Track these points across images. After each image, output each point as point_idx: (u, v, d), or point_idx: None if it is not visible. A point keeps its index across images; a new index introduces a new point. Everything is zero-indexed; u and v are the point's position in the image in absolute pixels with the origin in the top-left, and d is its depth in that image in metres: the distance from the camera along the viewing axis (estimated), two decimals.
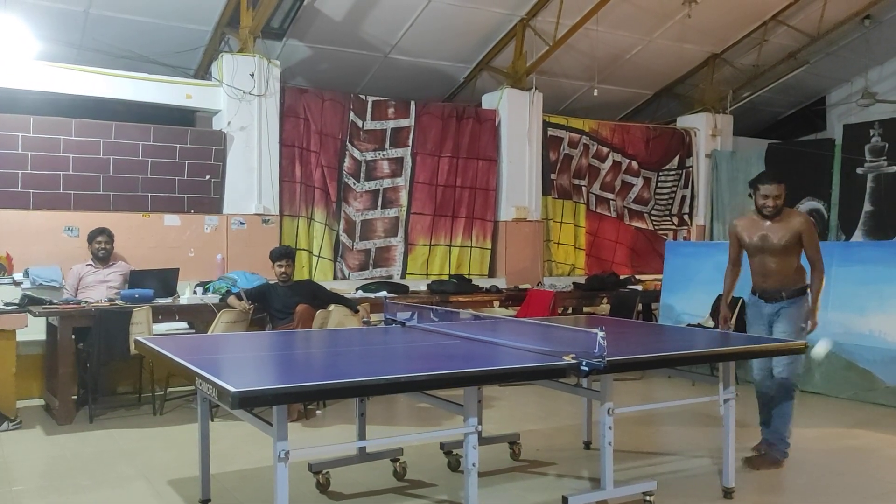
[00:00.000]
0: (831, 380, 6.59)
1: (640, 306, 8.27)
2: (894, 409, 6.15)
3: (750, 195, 4.86)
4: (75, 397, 6.01)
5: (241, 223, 7.66)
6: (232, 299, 6.14)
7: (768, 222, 4.76)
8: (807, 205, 10.18)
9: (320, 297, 6.36)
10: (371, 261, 8.69)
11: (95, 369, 5.88)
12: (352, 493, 4.19)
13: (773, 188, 4.72)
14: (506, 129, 9.33)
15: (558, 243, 9.98)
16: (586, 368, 3.27)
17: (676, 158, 10.93)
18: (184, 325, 6.52)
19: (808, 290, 4.79)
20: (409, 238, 8.87)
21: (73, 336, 5.86)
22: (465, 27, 8.84)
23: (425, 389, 3.61)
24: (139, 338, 4.20)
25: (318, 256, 8.31)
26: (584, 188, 10.22)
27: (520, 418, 5.93)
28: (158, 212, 7.32)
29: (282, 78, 7.96)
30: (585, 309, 8.49)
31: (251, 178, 7.70)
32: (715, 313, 7.36)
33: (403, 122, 8.79)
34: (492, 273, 9.30)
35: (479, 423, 3.39)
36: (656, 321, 8.22)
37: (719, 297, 7.38)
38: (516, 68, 9.30)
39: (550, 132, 9.81)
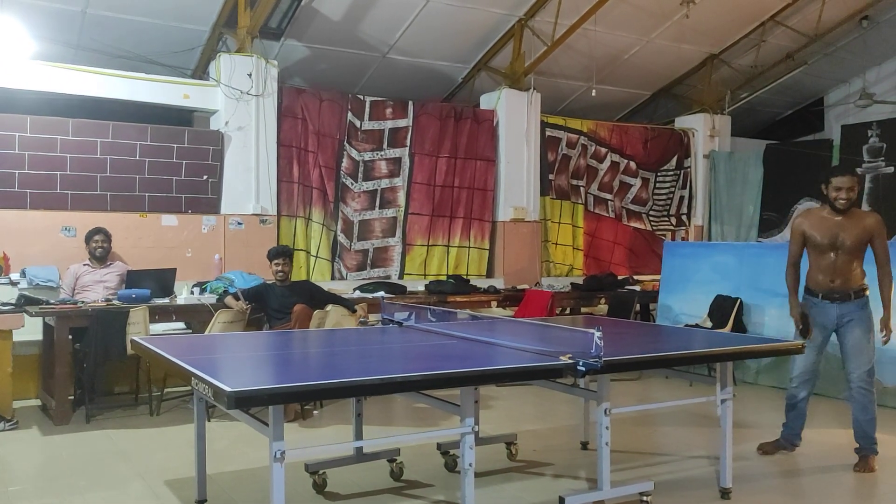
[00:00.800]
0: (831, 381, 6.57)
1: (637, 307, 8.27)
2: (893, 409, 6.14)
3: (822, 192, 4.70)
4: (72, 397, 5.99)
5: (239, 223, 7.66)
6: (229, 299, 6.13)
7: (839, 218, 4.63)
8: (805, 205, 10.16)
9: (318, 298, 6.35)
10: (369, 261, 8.68)
11: (92, 369, 5.87)
12: (348, 494, 4.18)
13: (845, 180, 4.58)
14: (504, 130, 9.32)
15: (556, 244, 9.98)
16: (583, 368, 3.27)
17: (674, 159, 10.93)
18: (181, 325, 6.52)
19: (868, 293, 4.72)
20: (406, 238, 8.86)
21: (70, 336, 5.84)
22: (463, 27, 8.83)
23: (422, 389, 3.61)
24: (136, 338, 4.19)
25: (316, 257, 8.31)
26: (582, 188, 10.22)
27: (517, 419, 5.93)
28: (156, 212, 7.31)
29: (279, 78, 7.96)
30: (583, 309, 8.48)
31: (249, 179, 7.69)
32: (712, 314, 7.37)
33: (401, 123, 8.79)
34: (490, 273, 9.30)
35: (476, 423, 3.39)
36: (654, 321, 8.22)
37: (718, 298, 7.42)
38: (514, 68, 9.29)
39: (548, 132, 9.80)
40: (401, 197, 8.81)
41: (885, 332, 4.69)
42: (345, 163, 8.49)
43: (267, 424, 3.00)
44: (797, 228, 4.81)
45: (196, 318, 6.33)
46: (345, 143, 8.47)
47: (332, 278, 8.33)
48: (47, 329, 6.04)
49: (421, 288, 8.11)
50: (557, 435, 5.49)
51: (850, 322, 4.67)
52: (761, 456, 4.90)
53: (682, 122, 11.20)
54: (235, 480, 4.41)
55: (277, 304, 6.19)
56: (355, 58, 8.91)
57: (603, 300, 8.61)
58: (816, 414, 6.04)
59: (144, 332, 5.81)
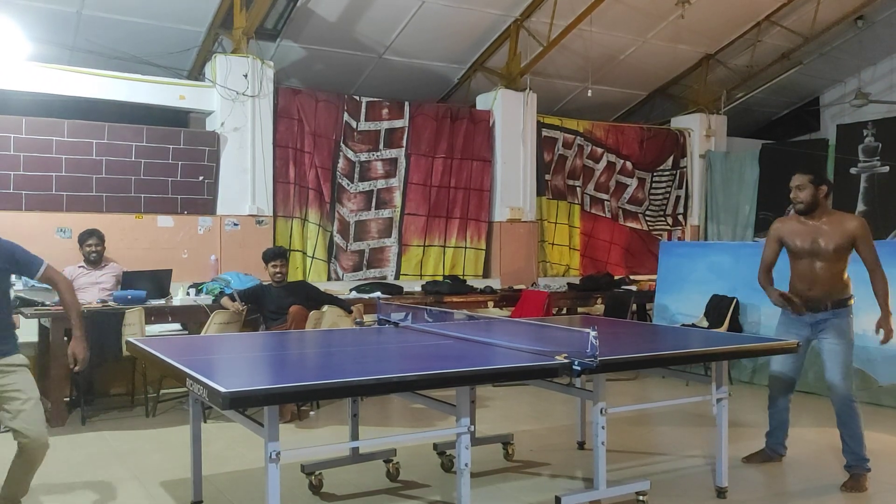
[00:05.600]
0: (825, 379, 6.58)
1: (634, 306, 8.28)
2: (888, 408, 6.16)
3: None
4: (67, 399, 5.99)
5: (235, 224, 7.65)
6: (225, 300, 6.12)
7: (815, 222, 4.41)
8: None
9: (314, 298, 6.35)
10: (365, 262, 8.68)
11: (88, 371, 5.85)
12: (345, 494, 4.18)
13: (795, 178, 4.42)
14: (500, 130, 9.32)
15: (553, 244, 9.98)
16: (578, 368, 3.27)
17: (671, 159, 10.94)
18: (177, 326, 6.51)
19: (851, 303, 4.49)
20: (403, 239, 8.85)
21: (66, 338, 5.81)
22: (459, 28, 8.84)
23: (418, 389, 3.60)
24: (131, 339, 4.19)
25: (312, 257, 8.30)
26: (578, 189, 10.22)
27: (514, 419, 5.93)
28: (151, 213, 7.30)
29: (275, 79, 7.95)
30: (580, 309, 8.49)
31: (245, 179, 7.68)
32: (708, 313, 7.39)
33: (397, 123, 8.78)
34: (486, 274, 9.30)
35: (472, 423, 3.38)
36: (651, 321, 8.23)
37: (714, 297, 7.44)
38: (510, 69, 9.30)
39: (545, 133, 9.81)
40: (397, 197, 8.81)
41: (881, 333, 4.51)
42: (341, 163, 8.48)
43: (262, 425, 2.99)
44: (773, 234, 4.63)
45: (192, 319, 6.33)
46: (341, 143, 8.47)
47: (329, 279, 8.32)
48: (43, 331, 6.03)
49: (417, 288, 8.11)
50: (554, 435, 5.49)
51: (824, 330, 4.48)
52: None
53: (678, 122, 11.21)
54: (231, 481, 4.40)
55: (274, 305, 6.18)
56: (351, 58, 8.91)
57: (599, 300, 8.62)
58: (810, 413, 6.05)
59: (140, 333, 5.80)
